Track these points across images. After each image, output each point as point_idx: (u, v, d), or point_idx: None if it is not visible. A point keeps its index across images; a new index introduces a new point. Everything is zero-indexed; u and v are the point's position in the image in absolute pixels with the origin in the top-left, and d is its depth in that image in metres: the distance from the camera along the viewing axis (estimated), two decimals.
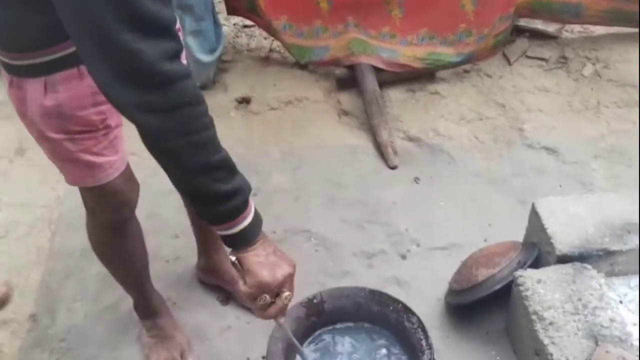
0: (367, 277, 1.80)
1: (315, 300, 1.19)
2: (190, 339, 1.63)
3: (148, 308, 1.57)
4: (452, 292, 1.66)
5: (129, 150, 2.23)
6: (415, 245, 1.90)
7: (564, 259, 1.50)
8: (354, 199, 2.07)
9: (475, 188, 2.08)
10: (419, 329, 1.11)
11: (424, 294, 1.74)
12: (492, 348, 1.60)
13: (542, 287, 1.44)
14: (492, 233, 1.90)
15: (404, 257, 1.88)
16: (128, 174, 1.29)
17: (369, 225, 1.98)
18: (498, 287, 1.52)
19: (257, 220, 0.99)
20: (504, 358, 1.58)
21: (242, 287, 0.98)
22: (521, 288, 1.46)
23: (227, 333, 1.68)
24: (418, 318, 1.12)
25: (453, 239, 1.90)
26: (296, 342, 1.07)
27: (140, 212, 2.02)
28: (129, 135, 2.29)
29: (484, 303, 1.58)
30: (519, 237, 1.73)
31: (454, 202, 2.03)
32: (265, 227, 1.98)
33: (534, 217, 1.63)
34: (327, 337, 1.19)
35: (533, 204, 1.64)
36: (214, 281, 1.75)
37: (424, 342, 1.09)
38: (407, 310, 1.14)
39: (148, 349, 1.58)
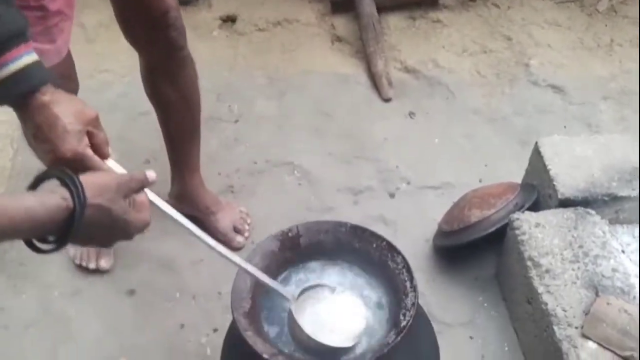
0: (352, 215, 1.68)
1: (290, 234, 1.06)
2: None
3: None
4: (441, 234, 1.55)
5: (102, 67, 2.09)
6: (406, 183, 1.77)
7: (565, 203, 1.38)
8: (343, 131, 1.92)
9: (473, 126, 1.93)
10: (404, 270, 0.99)
11: (412, 235, 1.63)
12: (480, 294, 1.51)
13: (540, 232, 1.33)
14: (488, 174, 1.77)
15: (392, 195, 1.75)
16: (65, 71, 1.14)
17: (357, 160, 1.84)
18: (492, 229, 1.40)
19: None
20: (491, 305, 1.48)
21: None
22: (517, 232, 1.34)
23: (198, 266, 1.57)
24: (403, 257, 0.99)
25: (446, 179, 1.77)
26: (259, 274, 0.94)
27: (110, 135, 1.87)
28: (104, 52, 2.13)
29: (474, 246, 1.48)
30: (517, 180, 1.60)
31: (450, 139, 1.89)
32: (246, 157, 1.87)
33: (536, 156, 1.49)
34: (301, 274, 1.06)
35: (536, 143, 1.50)
36: (187, 210, 1.62)
37: (408, 284, 0.97)
38: (392, 248, 1.01)
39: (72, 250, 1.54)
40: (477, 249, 1.52)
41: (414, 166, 1.81)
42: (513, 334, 1.43)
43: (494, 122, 1.94)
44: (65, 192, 0.62)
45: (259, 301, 1.01)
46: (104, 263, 1.54)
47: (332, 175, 1.79)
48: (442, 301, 1.48)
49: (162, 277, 1.55)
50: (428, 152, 1.85)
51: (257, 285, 0.99)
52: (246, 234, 1.62)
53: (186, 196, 1.60)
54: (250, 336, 0.90)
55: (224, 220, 1.59)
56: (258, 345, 0.89)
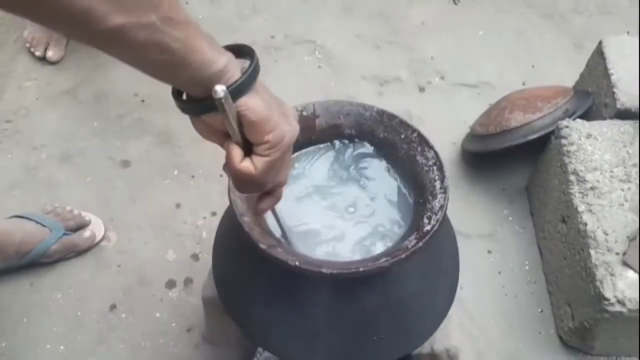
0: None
1: (305, 113, 0.90)
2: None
3: None
4: (473, 137, 1.38)
5: None
6: (439, 78, 1.57)
7: (624, 115, 1.20)
8: (375, 11, 1.70)
9: (524, 20, 1.69)
10: (434, 167, 0.83)
11: (439, 135, 1.43)
12: (506, 207, 1.37)
13: (590, 144, 1.15)
14: (534, 76, 1.57)
15: (422, 89, 1.56)
16: None
17: (388, 45, 1.63)
18: (535, 136, 1.23)
19: None
20: (517, 219, 1.35)
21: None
22: (563, 141, 1.17)
23: (200, 144, 1.41)
24: (435, 153, 0.84)
25: (486, 77, 1.57)
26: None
27: None
28: None
29: (508, 154, 1.31)
30: (568, 85, 1.40)
31: (496, 33, 1.66)
32: (263, 30, 1.67)
33: (597, 58, 1.28)
34: (313, 159, 0.91)
35: (600, 42, 1.28)
36: None
37: (437, 184, 0.82)
38: (423, 141, 0.85)
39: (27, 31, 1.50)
40: (510, 157, 1.36)
41: (451, 59, 1.60)
42: (537, 252, 1.30)
43: (548, 19, 1.70)
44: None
45: None
46: (52, 54, 1.48)
47: (358, 60, 1.60)
48: (463, 209, 1.35)
49: (160, 152, 1.42)
50: (469, 45, 1.64)
51: None
52: None
53: None
54: (246, 222, 0.77)
55: None
56: (255, 233, 0.76)
